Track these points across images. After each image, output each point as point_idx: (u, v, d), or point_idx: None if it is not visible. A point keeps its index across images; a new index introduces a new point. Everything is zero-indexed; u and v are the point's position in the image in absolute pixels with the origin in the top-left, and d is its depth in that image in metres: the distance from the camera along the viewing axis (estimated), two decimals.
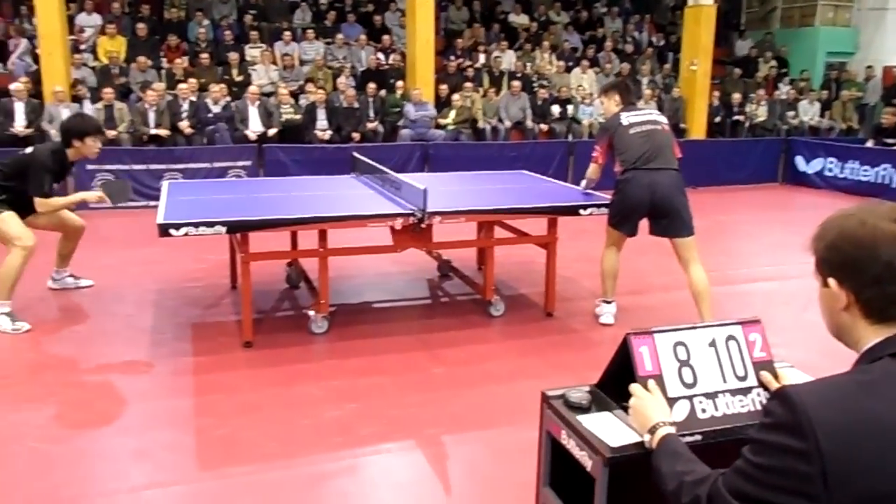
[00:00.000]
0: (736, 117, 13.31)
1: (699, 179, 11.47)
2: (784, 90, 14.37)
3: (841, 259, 1.38)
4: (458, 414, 3.70)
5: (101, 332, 4.83)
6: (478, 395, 3.94)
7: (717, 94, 13.50)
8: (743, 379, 1.95)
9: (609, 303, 5.06)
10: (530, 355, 4.52)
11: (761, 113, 13.38)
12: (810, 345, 4.62)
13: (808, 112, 13.96)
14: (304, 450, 3.32)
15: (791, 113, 13.78)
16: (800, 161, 12.12)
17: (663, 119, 4.94)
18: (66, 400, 3.83)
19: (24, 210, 5.05)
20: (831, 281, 1.40)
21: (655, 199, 4.63)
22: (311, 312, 4.82)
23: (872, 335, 1.37)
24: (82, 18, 12.00)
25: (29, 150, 5.17)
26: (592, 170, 5.12)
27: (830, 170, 11.65)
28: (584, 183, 5.33)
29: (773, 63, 15.30)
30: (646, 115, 4.89)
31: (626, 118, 4.81)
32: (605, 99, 5.07)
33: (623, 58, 14.23)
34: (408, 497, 3.05)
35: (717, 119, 13.29)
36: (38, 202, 4.96)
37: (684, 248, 4.72)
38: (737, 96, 13.45)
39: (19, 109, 9.59)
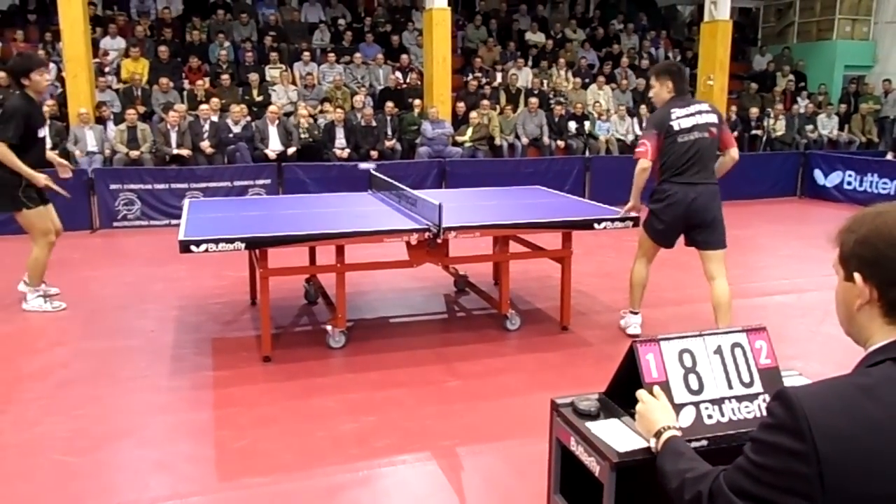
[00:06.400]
0: (754, 132, 13.31)
1: None
2: (802, 104, 14.34)
3: (872, 255, 1.37)
4: (473, 426, 3.73)
5: (124, 347, 4.91)
6: (493, 407, 3.97)
7: (734, 108, 13.51)
8: (749, 385, 1.98)
9: (636, 313, 5.06)
10: (545, 369, 4.55)
11: (779, 127, 13.36)
12: (826, 357, 4.62)
13: (827, 126, 13.94)
14: (320, 461, 3.37)
15: (809, 127, 13.77)
16: (818, 175, 12.07)
17: (713, 119, 4.55)
18: (89, 413, 3.90)
19: None
20: (857, 276, 1.39)
21: (694, 212, 4.54)
22: (329, 327, 4.88)
23: (883, 336, 1.38)
24: (106, 42, 12.28)
25: None
26: (641, 172, 4.60)
27: (849, 183, 11.60)
28: (630, 203, 4.85)
29: (791, 77, 15.27)
30: (695, 118, 4.51)
31: (677, 120, 4.49)
32: (657, 84, 4.67)
33: (639, 74, 14.28)
34: None
35: (735, 134, 13.23)
36: None
37: (714, 261, 4.66)
38: (754, 111, 13.45)
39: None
